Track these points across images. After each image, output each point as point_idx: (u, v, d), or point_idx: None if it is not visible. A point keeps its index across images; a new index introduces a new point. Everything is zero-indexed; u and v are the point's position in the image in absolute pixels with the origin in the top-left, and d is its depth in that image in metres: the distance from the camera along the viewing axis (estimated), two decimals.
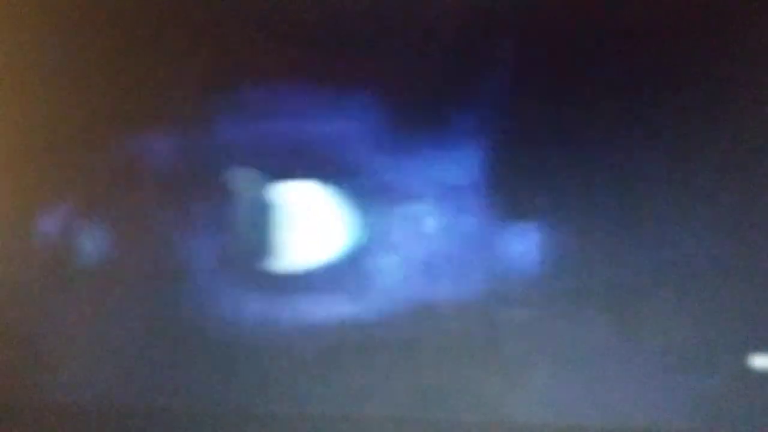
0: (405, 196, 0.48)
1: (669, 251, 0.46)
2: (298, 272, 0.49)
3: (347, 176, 0.49)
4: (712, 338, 0.45)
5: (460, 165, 0.48)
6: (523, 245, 0.47)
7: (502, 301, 0.47)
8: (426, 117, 0.48)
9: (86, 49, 0.50)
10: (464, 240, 0.48)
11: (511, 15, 0.47)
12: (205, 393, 0.49)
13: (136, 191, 0.50)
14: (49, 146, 0.50)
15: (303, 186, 0.49)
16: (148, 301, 0.49)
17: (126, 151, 0.50)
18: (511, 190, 0.47)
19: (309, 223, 0.49)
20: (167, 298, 0.49)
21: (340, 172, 0.49)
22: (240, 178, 0.49)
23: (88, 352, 0.50)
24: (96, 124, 0.50)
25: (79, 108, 0.50)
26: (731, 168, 0.46)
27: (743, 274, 0.45)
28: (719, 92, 0.46)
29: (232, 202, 0.49)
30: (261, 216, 0.49)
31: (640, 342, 0.46)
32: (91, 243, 0.50)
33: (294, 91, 0.49)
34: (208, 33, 0.49)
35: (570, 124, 0.47)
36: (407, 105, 0.48)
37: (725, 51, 0.46)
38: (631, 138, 0.46)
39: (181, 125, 0.50)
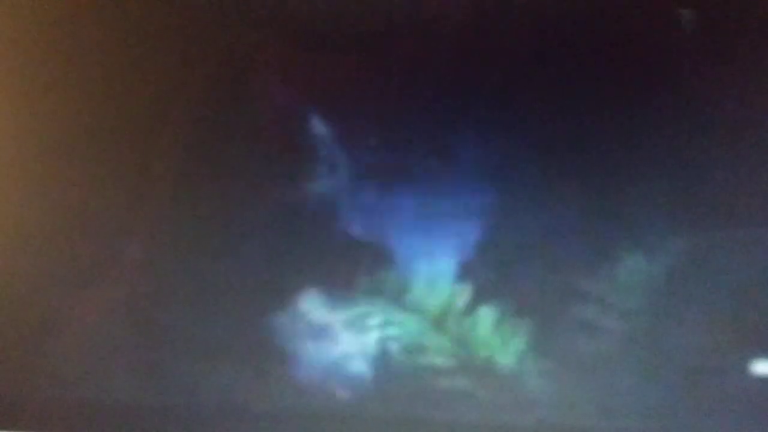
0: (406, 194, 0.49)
1: (670, 253, 0.46)
2: (301, 271, 0.49)
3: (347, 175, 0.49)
4: (715, 341, 0.46)
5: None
6: (526, 245, 0.47)
7: (501, 302, 0.48)
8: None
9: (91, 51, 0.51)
10: (470, 239, 0.48)
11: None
12: (207, 391, 0.49)
13: (140, 189, 0.50)
14: (51, 143, 0.50)
15: (306, 187, 0.49)
16: (152, 298, 0.50)
17: (129, 149, 0.50)
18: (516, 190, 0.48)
19: (313, 222, 0.49)
20: (170, 295, 0.50)
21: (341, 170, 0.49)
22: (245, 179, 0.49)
23: (91, 349, 0.50)
24: (100, 122, 0.50)
25: (82, 106, 0.50)
26: (734, 169, 0.46)
27: (746, 277, 0.46)
28: (718, 92, 0.46)
29: (237, 202, 0.49)
30: (263, 215, 0.49)
31: (641, 345, 0.46)
32: (93, 239, 0.50)
33: (296, 90, 0.49)
34: (214, 33, 0.49)
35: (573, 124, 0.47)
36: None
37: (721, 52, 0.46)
38: (632, 139, 0.47)
39: (186, 124, 0.50)
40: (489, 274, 0.48)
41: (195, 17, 0.49)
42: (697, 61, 0.46)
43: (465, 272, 0.48)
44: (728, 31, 0.46)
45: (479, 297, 0.48)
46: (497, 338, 0.47)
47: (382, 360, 0.48)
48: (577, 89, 0.47)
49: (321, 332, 0.48)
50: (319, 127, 0.49)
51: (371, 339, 0.48)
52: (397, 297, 0.48)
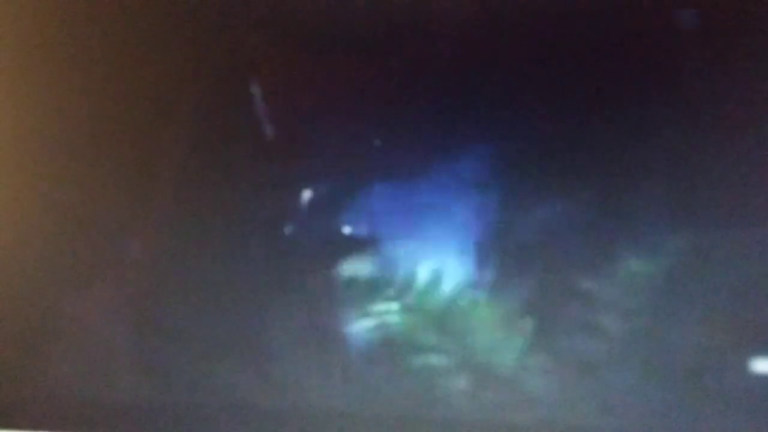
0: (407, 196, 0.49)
1: (670, 253, 0.46)
2: (301, 270, 0.49)
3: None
4: (715, 341, 0.46)
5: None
6: (527, 245, 0.47)
7: (502, 301, 0.48)
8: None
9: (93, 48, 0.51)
10: (471, 238, 0.48)
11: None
12: (208, 390, 0.49)
13: (142, 189, 0.50)
14: (51, 144, 0.51)
15: (310, 186, 0.49)
16: (153, 298, 0.50)
17: (130, 150, 0.50)
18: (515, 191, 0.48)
19: (314, 222, 0.49)
20: (171, 295, 0.50)
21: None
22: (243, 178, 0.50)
23: (92, 348, 0.50)
24: (100, 123, 0.50)
25: (83, 107, 0.50)
26: (734, 169, 0.46)
27: (746, 276, 0.46)
28: (718, 92, 0.46)
29: (239, 202, 0.49)
30: (264, 215, 0.49)
31: (641, 344, 0.46)
32: (94, 239, 0.50)
33: (298, 90, 0.49)
34: (215, 34, 0.50)
35: (573, 124, 0.47)
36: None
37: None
38: (633, 139, 0.47)
39: (187, 125, 0.50)
40: (490, 274, 0.48)
41: (197, 19, 0.50)
42: (698, 62, 0.46)
43: (466, 272, 0.48)
44: (728, 32, 0.46)
45: (480, 296, 0.48)
46: (498, 337, 0.47)
47: (382, 359, 0.48)
48: (578, 89, 0.47)
49: (321, 331, 0.49)
50: (321, 127, 0.49)
51: (371, 338, 0.48)
52: (398, 296, 0.48)
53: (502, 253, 0.48)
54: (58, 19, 0.51)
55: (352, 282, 0.48)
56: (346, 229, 0.49)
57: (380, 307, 0.48)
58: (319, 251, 0.49)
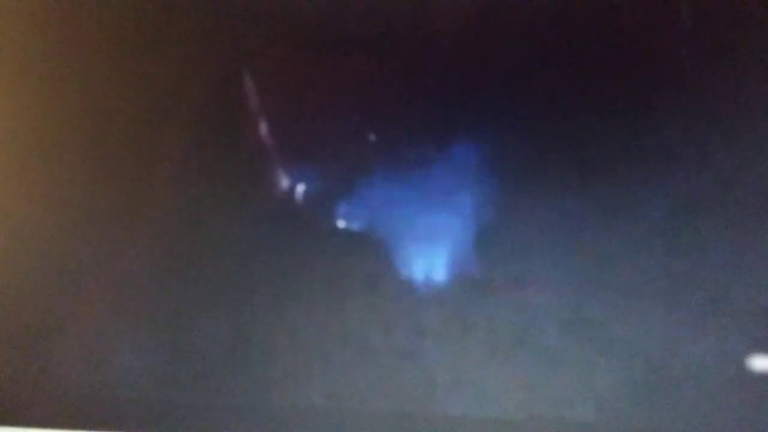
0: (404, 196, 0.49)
1: (669, 252, 0.46)
2: (300, 269, 0.49)
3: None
4: (712, 340, 0.46)
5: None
6: (524, 242, 0.48)
7: (499, 298, 0.48)
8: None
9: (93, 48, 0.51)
10: (465, 236, 0.48)
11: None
12: (212, 386, 0.49)
13: (142, 187, 0.50)
14: (52, 144, 0.51)
15: (309, 186, 0.49)
16: (153, 297, 0.50)
17: (129, 150, 0.50)
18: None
19: (312, 219, 0.49)
20: (171, 294, 0.50)
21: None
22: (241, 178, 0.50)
23: (96, 346, 0.50)
24: (100, 123, 0.50)
25: (81, 104, 0.50)
26: (734, 166, 0.46)
27: (745, 275, 0.46)
28: (718, 94, 0.46)
29: (237, 201, 0.49)
30: (262, 214, 0.50)
31: (640, 343, 0.46)
32: (94, 239, 0.50)
33: (296, 90, 0.49)
34: (213, 34, 0.50)
35: (571, 126, 0.47)
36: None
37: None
38: (630, 137, 0.47)
39: (185, 124, 0.50)
40: (487, 271, 0.48)
41: (193, 16, 0.50)
42: (697, 62, 0.46)
43: (463, 269, 0.48)
44: (729, 32, 0.46)
45: (477, 294, 0.48)
46: (494, 334, 0.47)
47: (382, 356, 0.48)
48: (576, 86, 0.47)
49: (321, 330, 0.49)
50: (320, 125, 0.49)
51: (371, 335, 0.48)
52: (396, 294, 0.48)
53: (500, 249, 0.48)
54: (56, 18, 0.50)
55: (351, 279, 0.49)
56: (345, 227, 0.49)
57: (380, 303, 0.48)
58: (318, 249, 0.49)
